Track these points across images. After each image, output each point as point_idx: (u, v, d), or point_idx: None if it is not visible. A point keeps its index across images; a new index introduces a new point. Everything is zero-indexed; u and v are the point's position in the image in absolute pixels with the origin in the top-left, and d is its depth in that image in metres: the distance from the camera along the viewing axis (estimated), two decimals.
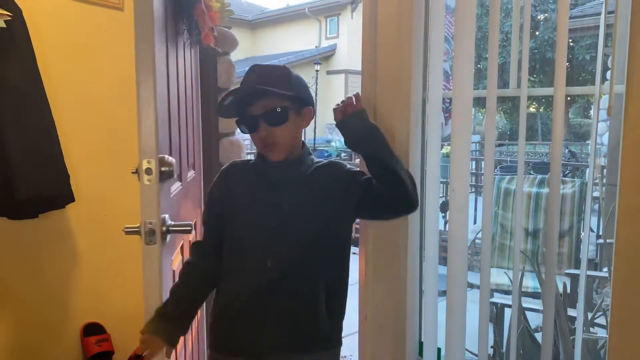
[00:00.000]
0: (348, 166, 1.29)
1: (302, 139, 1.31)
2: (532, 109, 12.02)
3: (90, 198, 2.11)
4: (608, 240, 1.92)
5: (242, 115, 1.25)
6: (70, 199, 1.93)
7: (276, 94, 1.19)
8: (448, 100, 1.95)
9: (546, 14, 10.06)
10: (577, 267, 2.80)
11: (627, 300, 1.11)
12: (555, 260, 1.27)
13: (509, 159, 7.75)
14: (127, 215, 2.25)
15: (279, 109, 1.20)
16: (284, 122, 1.21)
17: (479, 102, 1.42)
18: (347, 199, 1.22)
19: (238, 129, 1.31)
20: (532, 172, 6.72)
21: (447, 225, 4.88)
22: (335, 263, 1.26)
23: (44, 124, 1.83)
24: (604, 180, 2.87)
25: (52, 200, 1.90)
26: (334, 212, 1.23)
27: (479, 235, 4.28)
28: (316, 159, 1.31)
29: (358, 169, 1.31)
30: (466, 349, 1.99)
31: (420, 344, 1.48)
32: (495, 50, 1.28)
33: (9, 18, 1.67)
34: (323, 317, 1.22)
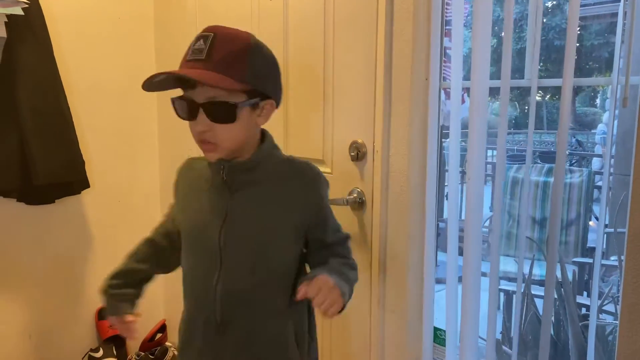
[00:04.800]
0: (326, 193, 1.12)
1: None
2: (538, 98, 11.98)
3: (105, 184, 2.14)
4: (618, 230, 1.94)
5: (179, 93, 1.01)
6: (85, 185, 1.96)
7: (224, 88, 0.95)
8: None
9: (554, 1, 9.98)
10: (584, 255, 2.82)
11: (639, 287, 1.13)
12: (572, 249, 1.29)
13: (515, 147, 7.75)
14: (140, 201, 2.29)
15: (225, 104, 0.96)
16: (229, 121, 0.97)
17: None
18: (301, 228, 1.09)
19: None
20: (538, 160, 6.72)
21: (443, 214, 4.89)
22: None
23: (60, 110, 1.85)
24: (611, 170, 2.88)
25: (68, 186, 1.93)
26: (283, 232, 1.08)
27: (486, 223, 4.30)
28: (286, 156, 1.12)
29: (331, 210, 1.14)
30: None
31: (435, 329, 1.51)
32: (509, 40, 1.29)
33: (27, 5, 1.68)
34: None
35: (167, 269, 1.22)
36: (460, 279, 1.40)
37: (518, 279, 1.40)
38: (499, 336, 2.02)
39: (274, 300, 1.10)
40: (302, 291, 0.96)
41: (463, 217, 1.46)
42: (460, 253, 1.41)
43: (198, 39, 0.97)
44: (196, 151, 2.07)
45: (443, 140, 1.62)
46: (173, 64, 2.25)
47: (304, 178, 1.09)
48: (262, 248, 1.07)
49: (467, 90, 1.48)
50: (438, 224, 1.50)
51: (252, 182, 1.06)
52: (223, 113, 0.96)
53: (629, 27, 1.21)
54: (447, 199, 1.57)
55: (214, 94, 0.95)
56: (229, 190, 1.06)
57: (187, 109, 0.98)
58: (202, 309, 1.10)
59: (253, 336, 1.09)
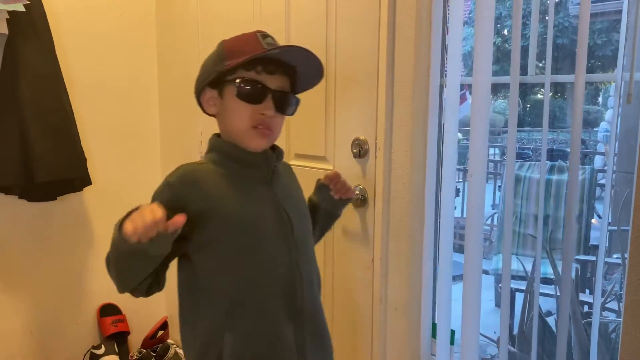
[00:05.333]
0: None
1: None
2: (540, 96, 11.96)
3: (106, 181, 2.14)
4: (621, 227, 1.93)
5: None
6: (87, 182, 1.96)
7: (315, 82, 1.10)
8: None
9: None
10: (587, 253, 2.82)
11: None
12: (575, 247, 1.29)
13: (517, 145, 7.73)
14: (141, 198, 2.29)
15: (294, 97, 1.08)
16: (290, 113, 1.08)
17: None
18: None
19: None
20: (541, 158, 6.69)
21: (454, 211, 4.90)
22: None
23: (62, 107, 1.85)
24: (614, 168, 2.87)
25: (69, 183, 1.93)
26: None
27: (487, 221, 4.30)
28: None
29: None
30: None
31: (434, 325, 1.51)
32: (518, 36, 1.28)
33: (28, 2, 1.68)
34: None
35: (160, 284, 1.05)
36: (455, 277, 1.40)
37: (536, 277, 1.40)
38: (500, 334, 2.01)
39: (318, 275, 1.17)
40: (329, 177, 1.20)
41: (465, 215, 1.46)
42: (461, 250, 1.41)
43: (264, 36, 1.03)
44: (195, 149, 2.07)
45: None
46: (174, 62, 2.24)
47: (288, 166, 1.24)
48: (309, 226, 1.17)
49: (470, 87, 1.48)
50: (439, 222, 1.49)
51: (280, 172, 1.13)
52: (289, 104, 1.06)
53: (633, 24, 1.20)
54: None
55: (283, 85, 1.04)
56: (269, 180, 1.08)
57: (258, 93, 1.01)
58: (289, 303, 1.06)
59: (320, 315, 1.14)
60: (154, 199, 1.01)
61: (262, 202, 1.06)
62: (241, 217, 1.02)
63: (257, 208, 1.05)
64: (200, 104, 1.09)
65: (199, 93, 1.08)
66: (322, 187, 1.23)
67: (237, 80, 1.01)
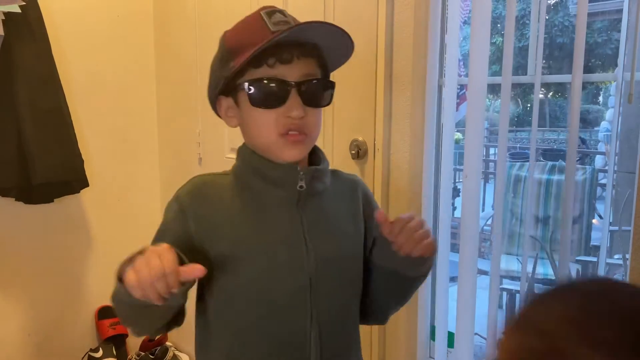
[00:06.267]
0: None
1: None
2: (541, 95, 11.95)
3: (104, 183, 2.13)
4: (623, 228, 1.92)
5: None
6: (85, 184, 1.95)
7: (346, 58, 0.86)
8: (459, 86, 1.95)
9: None
10: (588, 254, 2.80)
11: None
12: (569, 247, 1.28)
13: (518, 145, 7.72)
14: (140, 199, 2.28)
15: (326, 83, 0.85)
16: (326, 103, 0.85)
17: (487, 89, 1.40)
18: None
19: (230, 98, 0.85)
20: (541, 158, 6.69)
21: (454, 212, 4.89)
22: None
23: (59, 108, 1.84)
24: (615, 167, 2.86)
25: (67, 185, 1.92)
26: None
27: (489, 222, 4.28)
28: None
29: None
30: (478, 334, 2.01)
31: (432, 328, 1.50)
32: (511, 36, 1.27)
33: (24, 3, 1.67)
34: None
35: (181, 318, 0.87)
36: (452, 278, 1.38)
37: (522, 277, 1.38)
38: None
39: (356, 343, 0.94)
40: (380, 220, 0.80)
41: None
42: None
43: (270, 13, 0.83)
44: (193, 150, 2.06)
45: None
46: (173, 62, 2.23)
47: (353, 184, 0.95)
48: (348, 275, 0.89)
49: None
50: (438, 223, 1.49)
51: (319, 193, 0.87)
52: (320, 93, 0.83)
53: (634, 23, 1.19)
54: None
55: (308, 70, 0.81)
56: (296, 205, 0.84)
57: (275, 93, 0.80)
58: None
59: None
60: (165, 212, 0.87)
61: (276, 229, 0.84)
62: (237, 247, 0.82)
63: (267, 236, 0.84)
64: (220, 117, 0.89)
65: (214, 105, 0.89)
66: (379, 238, 0.86)
67: (246, 85, 0.80)
